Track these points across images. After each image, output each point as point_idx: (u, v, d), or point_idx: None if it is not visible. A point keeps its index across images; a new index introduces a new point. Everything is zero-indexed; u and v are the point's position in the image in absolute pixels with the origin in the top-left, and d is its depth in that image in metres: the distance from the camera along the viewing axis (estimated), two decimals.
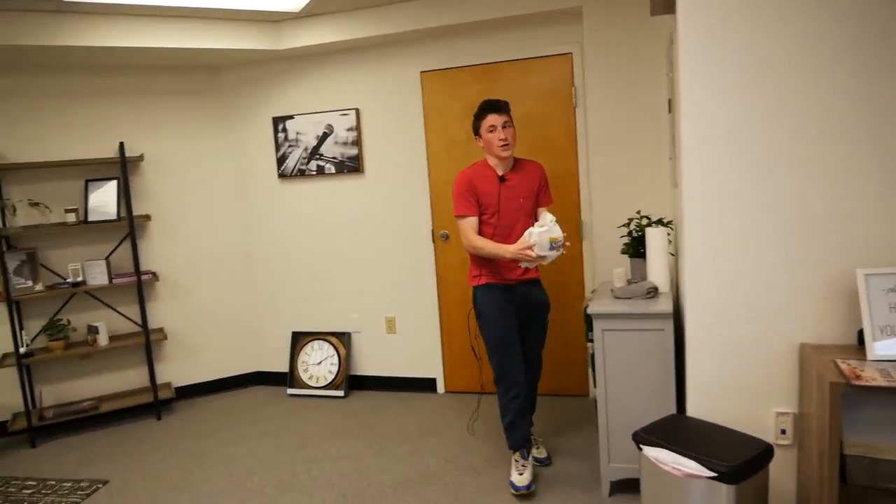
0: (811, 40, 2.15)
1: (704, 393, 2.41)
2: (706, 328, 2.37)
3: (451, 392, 4.36)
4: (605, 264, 3.71)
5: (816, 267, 2.24)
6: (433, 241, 4.25)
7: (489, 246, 2.89)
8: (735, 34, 2.21)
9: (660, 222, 3.06)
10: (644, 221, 3.27)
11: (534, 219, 3.03)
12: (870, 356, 2.05)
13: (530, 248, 2.71)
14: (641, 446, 2.24)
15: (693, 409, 2.44)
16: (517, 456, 2.98)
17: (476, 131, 3.02)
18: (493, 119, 2.94)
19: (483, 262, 3.00)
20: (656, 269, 2.93)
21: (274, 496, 3.08)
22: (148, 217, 4.29)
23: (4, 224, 3.93)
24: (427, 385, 4.40)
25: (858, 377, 1.91)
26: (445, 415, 3.95)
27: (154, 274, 4.31)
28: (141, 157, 4.21)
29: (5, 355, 4.01)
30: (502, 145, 2.93)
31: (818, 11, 2.13)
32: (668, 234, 3.02)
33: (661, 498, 2.21)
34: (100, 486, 3.33)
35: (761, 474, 2.10)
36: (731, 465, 2.00)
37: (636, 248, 3.11)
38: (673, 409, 2.69)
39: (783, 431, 2.33)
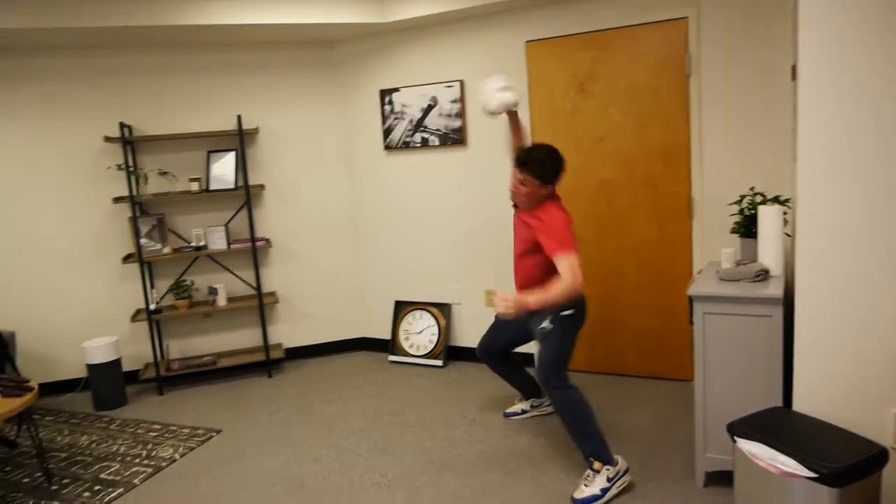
0: None
1: (814, 387, 2.22)
2: (820, 317, 2.18)
3: None
4: (715, 244, 3.49)
5: None
6: None
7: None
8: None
9: (776, 200, 2.83)
10: (758, 199, 3.04)
11: (533, 262, 2.98)
12: None
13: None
14: (736, 438, 2.11)
15: (800, 404, 2.26)
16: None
17: None
18: (513, 170, 2.88)
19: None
20: (768, 251, 2.71)
21: (367, 456, 3.21)
22: (262, 186, 4.53)
23: (138, 191, 4.29)
24: (525, 361, 4.38)
25: None
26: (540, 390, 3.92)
27: (267, 240, 4.55)
28: (256, 130, 4.43)
29: (138, 311, 4.42)
30: (511, 194, 2.94)
31: None
32: (785, 213, 2.79)
33: (756, 495, 2.07)
34: (214, 434, 3.61)
35: (872, 479, 1.92)
36: (835, 466, 1.84)
37: (748, 227, 2.90)
38: (779, 402, 2.50)
39: None
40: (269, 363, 4.51)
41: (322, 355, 4.91)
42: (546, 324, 2.87)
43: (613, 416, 3.48)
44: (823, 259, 2.14)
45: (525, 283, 3.03)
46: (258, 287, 4.44)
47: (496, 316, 3.35)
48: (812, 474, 1.87)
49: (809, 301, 2.18)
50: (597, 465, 2.74)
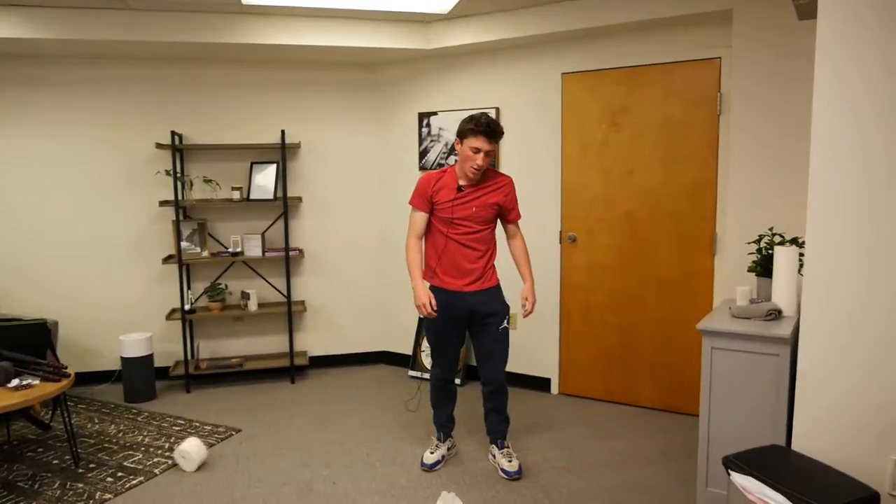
0: None
1: (814, 428, 2.23)
2: (823, 359, 2.19)
3: (564, 394, 4.34)
4: (735, 281, 3.51)
5: None
6: (560, 242, 4.25)
7: (410, 262, 3.11)
8: (880, 44, 2.01)
9: (794, 241, 2.85)
10: (776, 239, 3.06)
11: (489, 228, 3.13)
12: None
13: (428, 304, 3.00)
14: (730, 472, 2.13)
15: (799, 444, 2.26)
16: (433, 437, 3.40)
17: (460, 136, 3.01)
18: (481, 143, 2.93)
19: (435, 260, 3.14)
20: (782, 291, 2.73)
21: (377, 466, 3.29)
22: (300, 199, 4.71)
23: (183, 196, 4.51)
24: (542, 384, 4.42)
25: None
26: (554, 415, 3.95)
27: (301, 251, 4.73)
28: (298, 145, 4.62)
29: (173, 310, 4.62)
30: (476, 169, 2.98)
31: None
32: (801, 255, 2.81)
33: None
34: (233, 433, 3.74)
35: None
36: None
37: (765, 266, 2.92)
38: (782, 441, 2.51)
39: None
40: (293, 369, 4.65)
41: (345, 365, 5.03)
42: (506, 323, 3.17)
43: (623, 446, 3.50)
44: (829, 302, 2.16)
45: (471, 266, 3.11)
46: (288, 295, 4.60)
47: (433, 341, 3.22)
48: None
49: (813, 343, 2.20)
50: (507, 441, 3.30)
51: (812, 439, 2.23)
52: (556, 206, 4.24)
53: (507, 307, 3.18)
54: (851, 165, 2.09)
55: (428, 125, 4.66)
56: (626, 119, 3.94)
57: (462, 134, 2.99)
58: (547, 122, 4.22)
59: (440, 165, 4.64)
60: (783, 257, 2.72)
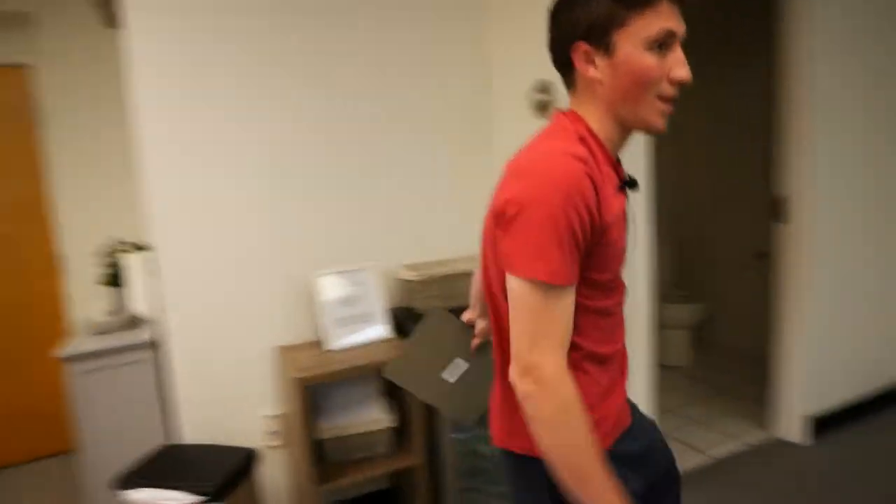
0: (264, 57, 2.29)
1: (197, 414, 2.35)
2: (188, 348, 2.32)
3: None
4: (92, 299, 3.34)
5: (284, 276, 2.41)
6: None
7: (584, 430, 1.05)
8: (183, 53, 2.20)
9: (138, 247, 2.89)
10: (120, 248, 3.05)
11: None
12: (329, 347, 2.29)
13: None
14: (123, 491, 2.04)
15: (189, 434, 2.35)
16: None
17: (607, 26, 1.06)
18: (672, 19, 1.07)
19: (603, 384, 1.20)
20: (137, 297, 2.75)
21: None
22: None
23: None
24: None
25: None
26: None
27: None
28: None
29: None
30: (672, 98, 1.10)
31: (267, 36, 2.28)
32: (150, 259, 2.87)
33: None
34: None
35: (250, 481, 2.14)
36: (215, 483, 1.98)
37: (115, 277, 2.87)
38: (177, 439, 2.55)
39: (276, 433, 2.44)
40: None
41: None
42: None
43: None
44: (180, 294, 2.29)
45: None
46: None
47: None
48: (201, 498, 1.95)
49: (176, 336, 2.30)
50: None
51: (199, 426, 2.36)
52: None
53: None
54: (181, 174, 2.24)
55: None
56: None
57: (607, 21, 1.06)
58: None
59: None
60: (131, 265, 2.72)
